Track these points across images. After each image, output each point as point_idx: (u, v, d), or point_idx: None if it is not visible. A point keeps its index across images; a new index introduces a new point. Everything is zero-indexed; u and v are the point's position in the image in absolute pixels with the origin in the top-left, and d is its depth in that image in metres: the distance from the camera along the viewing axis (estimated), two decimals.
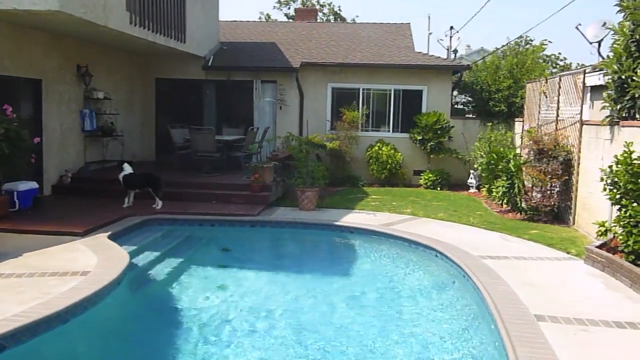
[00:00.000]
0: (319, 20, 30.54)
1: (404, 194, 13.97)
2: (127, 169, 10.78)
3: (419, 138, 15.39)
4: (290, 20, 21.11)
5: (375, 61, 15.94)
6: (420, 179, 15.45)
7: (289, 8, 36.11)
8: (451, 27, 20.69)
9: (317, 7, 36.85)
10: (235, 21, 20.76)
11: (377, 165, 15.41)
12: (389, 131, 16.16)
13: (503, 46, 18.97)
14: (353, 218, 10.74)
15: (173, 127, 13.90)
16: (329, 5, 36.85)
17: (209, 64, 15.68)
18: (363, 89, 16.13)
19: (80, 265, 7.05)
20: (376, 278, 8.27)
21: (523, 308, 5.88)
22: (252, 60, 16.04)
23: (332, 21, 34.57)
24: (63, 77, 12.15)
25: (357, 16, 35.93)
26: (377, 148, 15.57)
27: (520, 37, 23.59)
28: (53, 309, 5.45)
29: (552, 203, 10.71)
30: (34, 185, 10.36)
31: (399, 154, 15.60)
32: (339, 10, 36.18)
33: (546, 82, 11.97)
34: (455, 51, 21.32)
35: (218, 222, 10.32)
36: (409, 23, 19.69)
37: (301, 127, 16.16)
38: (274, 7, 34.82)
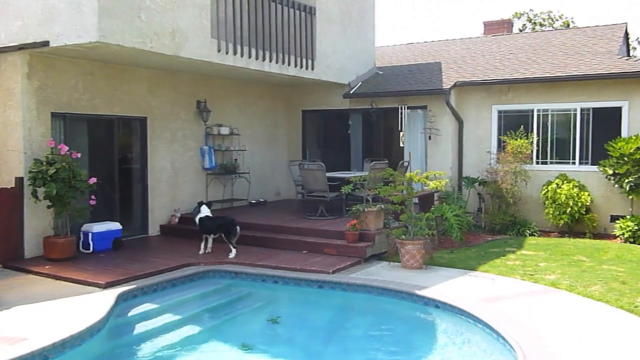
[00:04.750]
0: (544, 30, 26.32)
1: (575, 249, 10.16)
2: (204, 211, 9.68)
3: (609, 172, 11.26)
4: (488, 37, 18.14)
5: (553, 73, 12.33)
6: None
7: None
8: None
9: (548, 21, 32.32)
10: (412, 43, 18.73)
11: (554, 209, 11.71)
12: (573, 163, 12.27)
13: None
14: (458, 284, 7.85)
15: (294, 163, 12.54)
16: (560, 17, 31.96)
17: (351, 91, 13.99)
18: (538, 111, 12.61)
19: (37, 328, 5.98)
20: None
21: None
22: (399, 84, 13.86)
23: None
24: (176, 114, 11.77)
25: (596, 25, 30.31)
26: (554, 186, 11.88)
27: None
28: None
29: None
30: (114, 226, 9.94)
31: (586, 193, 11.62)
32: (572, 21, 31.08)
33: None
34: None
35: (282, 279, 8.47)
36: (625, 23, 15.20)
37: (460, 160, 13.33)
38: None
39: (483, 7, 44.86)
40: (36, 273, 8.36)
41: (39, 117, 9.24)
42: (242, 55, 10.70)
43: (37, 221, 9.25)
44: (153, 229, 11.37)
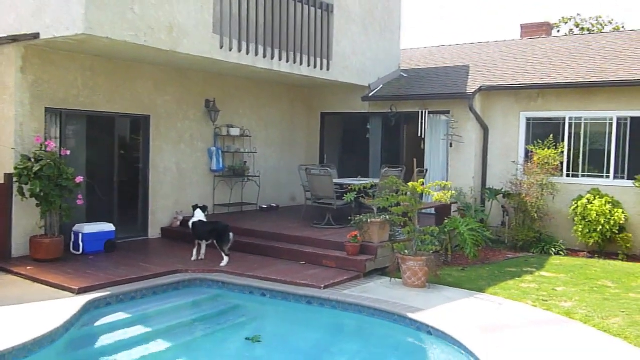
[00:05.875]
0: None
1: (601, 273, 9.19)
2: (198, 215, 9.19)
3: None
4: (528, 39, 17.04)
5: (588, 79, 11.33)
6: None
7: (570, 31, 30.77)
8: None
9: (597, 26, 30.70)
10: (443, 46, 17.87)
11: (583, 226, 10.72)
12: (607, 177, 11.23)
13: None
14: (459, 308, 7.09)
15: (302, 167, 11.92)
16: (610, 22, 30.27)
17: (370, 94, 13.30)
18: (570, 119, 11.62)
19: None
20: None
21: None
22: (422, 88, 13.09)
23: None
24: (184, 113, 11.36)
25: None
26: (585, 201, 10.88)
27: None
28: None
29: None
30: (107, 227, 9.55)
31: (620, 210, 10.58)
32: (623, 27, 29.32)
33: None
34: None
35: (270, 292, 7.87)
36: None
37: (484, 170, 12.45)
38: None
39: (528, 11, 43.22)
40: (16, 274, 8.03)
41: (33, 113, 8.94)
42: (247, 53, 10.19)
43: (26, 220, 8.95)
44: (154, 232, 10.97)
